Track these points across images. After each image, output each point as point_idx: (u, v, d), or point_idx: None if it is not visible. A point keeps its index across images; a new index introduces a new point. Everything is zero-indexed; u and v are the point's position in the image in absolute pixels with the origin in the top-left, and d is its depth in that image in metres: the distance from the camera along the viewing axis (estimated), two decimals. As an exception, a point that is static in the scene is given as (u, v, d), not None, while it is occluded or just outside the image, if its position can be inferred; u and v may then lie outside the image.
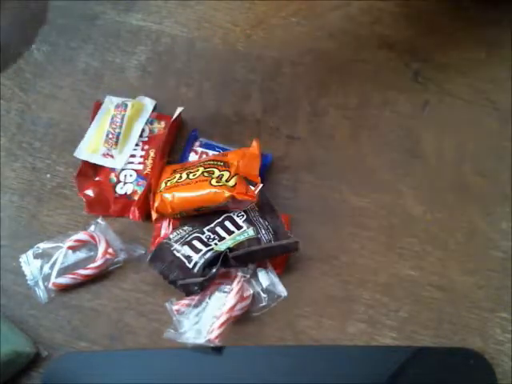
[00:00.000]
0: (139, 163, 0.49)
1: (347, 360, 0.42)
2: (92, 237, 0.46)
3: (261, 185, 0.45)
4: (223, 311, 0.42)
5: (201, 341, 0.41)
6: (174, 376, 0.42)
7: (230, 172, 0.45)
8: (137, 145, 0.50)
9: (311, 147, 0.50)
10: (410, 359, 0.41)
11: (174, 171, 0.47)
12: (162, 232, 0.46)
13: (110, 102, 0.51)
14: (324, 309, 0.44)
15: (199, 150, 0.50)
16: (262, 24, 0.55)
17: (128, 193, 0.48)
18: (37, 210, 0.49)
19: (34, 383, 0.43)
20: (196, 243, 0.44)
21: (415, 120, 0.51)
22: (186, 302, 0.43)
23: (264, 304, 0.44)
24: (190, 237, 0.44)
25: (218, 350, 0.42)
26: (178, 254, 0.43)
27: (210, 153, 0.50)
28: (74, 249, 0.47)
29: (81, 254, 0.47)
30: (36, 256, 0.46)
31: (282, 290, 0.44)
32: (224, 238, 0.44)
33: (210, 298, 0.43)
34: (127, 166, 0.49)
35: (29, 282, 0.46)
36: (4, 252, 0.47)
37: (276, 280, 0.45)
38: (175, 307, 0.43)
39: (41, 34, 0.57)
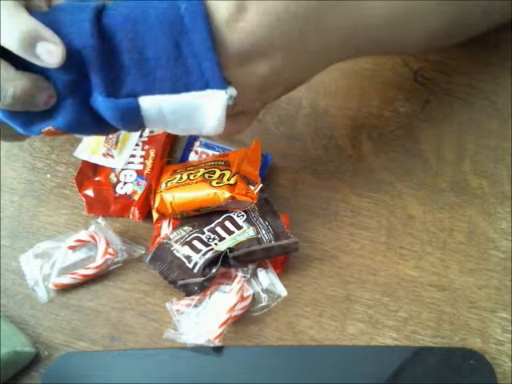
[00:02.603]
0: (139, 163, 0.49)
1: (347, 360, 0.42)
2: (92, 237, 0.46)
3: (261, 185, 0.45)
4: (223, 311, 0.42)
5: (201, 341, 0.41)
6: (174, 376, 0.42)
7: (231, 171, 0.45)
8: (137, 145, 0.50)
9: (311, 147, 0.50)
10: (410, 359, 0.41)
11: (175, 171, 0.47)
12: (162, 232, 0.46)
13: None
14: (324, 309, 0.44)
15: (199, 149, 0.50)
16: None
17: (128, 193, 0.48)
18: (37, 210, 0.49)
19: (34, 383, 0.43)
20: (196, 243, 0.44)
21: (415, 120, 0.51)
22: (186, 302, 0.43)
23: (264, 304, 0.44)
24: (190, 237, 0.44)
25: (218, 349, 0.42)
26: (178, 254, 0.43)
27: (210, 153, 0.50)
28: (74, 249, 0.47)
29: (81, 254, 0.47)
30: (36, 256, 0.46)
31: (282, 290, 0.44)
32: (224, 238, 0.44)
33: (209, 298, 0.44)
34: (127, 166, 0.49)
35: (29, 282, 0.46)
36: (4, 252, 0.47)
37: (276, 280, 0.45)
38: (175, 307, 0.43)
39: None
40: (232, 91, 0.34)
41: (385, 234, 0.46)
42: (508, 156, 0.48)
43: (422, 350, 0.42)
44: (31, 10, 0.33)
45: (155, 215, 0.46)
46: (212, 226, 0.45)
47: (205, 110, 0.34)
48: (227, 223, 0.45)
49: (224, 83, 0.34)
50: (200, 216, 0.46)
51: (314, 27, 0.36)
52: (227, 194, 0.43)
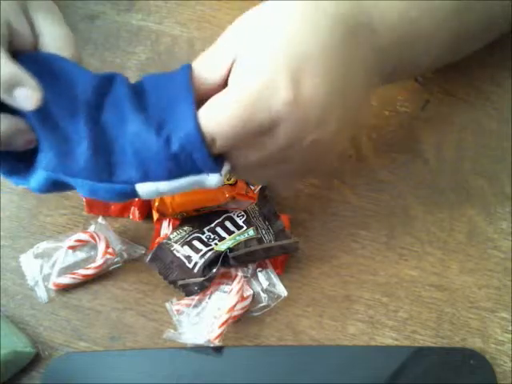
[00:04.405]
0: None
1: (347, 360, 0.42)
2: (92, 237, 0.46)
3: (261, 185, 0.45)
4: (223, 311, 0.42)
5: (201, 341, 0.41)
6: (174, 376, 0.42)
7: (230, 171, 0.45)
8: (137, 145, 0.50)
9: (311, 147, 0.50)
10: (410, 359, 0.41)
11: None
12: (162, 232, 0.46)
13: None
14: (324, 309, 0.44)
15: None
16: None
17: (128, 193, 0.48)
18: (37, 210, 0.49)
19: (34, 383, 0.43)
20: (196, 243, 0.44)
21: (415, 120, 0.51)
22: (186, 301, 0.43)
23: (264, 304, 0.44)
24: (190, 237, 0.44)
25: (218, 349, 0.42)
26: (178, 254, 0.43)
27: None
28: (74, 249, 0.47)
29: (81, 254, 0.47)
30: (36, 256, 0.46)
31: (282, 290, 0.44)
32: (224, 238, 0.44)
33: (209, 298, 0.44)
34: (127, 166, 0.49)
35: (29, 282, 0.46)
36: (4, 252, 0.47)
37: (276, 280, 0.45)
38: (175, 307, 0.43)
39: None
40: (226, 168, 0.35)
41: (385, 234, 0.46)
42: (508, 156, 0.48)
43: (421, 350, 0.42)
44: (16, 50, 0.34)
45: (155, 215, 0.46)
46: (212, 226, 0.45)
47: (202, 186, 0.35)
48: (227, 223, 0.45)
49: (217, 167, 0.34)
50: (200, 216, 0.46)
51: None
52: (227, 194, 0.43)
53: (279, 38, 0.34)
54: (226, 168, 0.35)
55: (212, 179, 0.34)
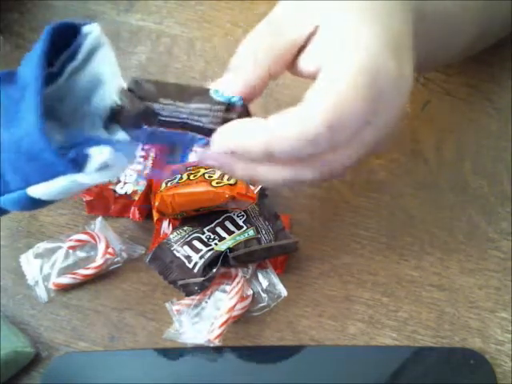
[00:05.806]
0: (139, 163, 0.49)
1: (347, 360, 0.42)
2: (92, 237, 0.46)
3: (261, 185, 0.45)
4: (223, 311, 0.42)
5: (201, 341, 0.41)
6: (174, 376, 0.42)
7: (230, 171, 0.45)
8: (137, 145, 0.50)
9: (311, 147, 0.50)
10: (410, 359, 0.41)
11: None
12: (162, 232, 0.46)
13: (110, 102, 0.51)
14: (324, 309, 0.44)
15: (199, 150, 0.50)
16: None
17: (128, 193, 0.48)
18: (37, 210, 0.49)
19: (34, 383, 0.43)
20: (196, 243, 0.44)
21: (415, 120, 0.50)
22: (186, 301, 0.43)
23: (264, 304, 0.44)
24: (190, 237, 0.44)
25: (218, 349, 0.42)
26: (177, 254, 0.43)
27: (210, 153, 0.49)
28: (74, 249, 0.47)
29: (81, 254, 0.47)
30: (36, 256, 0.46)
31: (282, 290, 0.44)
32: (224, 238, 0.44)
33: (209, 298, 0.44)
34: (127, 166, 0.49)
35: (29, 282, 0.46)
36: (4, 252, 0.47)
37: (276, 280, 0.45)
38: (175, 307, 0.43)
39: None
40: (95, 164, 0.31)
41: (385, 234, 0.46)
42: (508, 156, 0.48)
43: (422, 350, 0.42)
44: None
45: (155, 215, 0.46)
46: (212, 226, 0.45)
47: (81, 185, 0.32)
48: (227, 223, 0.45)
49: (73, 168, 0.30)
50: (200, 216, 0.46)
51: None
52: (227, 194, 0.43)
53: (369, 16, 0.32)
54: (94, 163, 0.31)
55: (82, 178, 0.31)
